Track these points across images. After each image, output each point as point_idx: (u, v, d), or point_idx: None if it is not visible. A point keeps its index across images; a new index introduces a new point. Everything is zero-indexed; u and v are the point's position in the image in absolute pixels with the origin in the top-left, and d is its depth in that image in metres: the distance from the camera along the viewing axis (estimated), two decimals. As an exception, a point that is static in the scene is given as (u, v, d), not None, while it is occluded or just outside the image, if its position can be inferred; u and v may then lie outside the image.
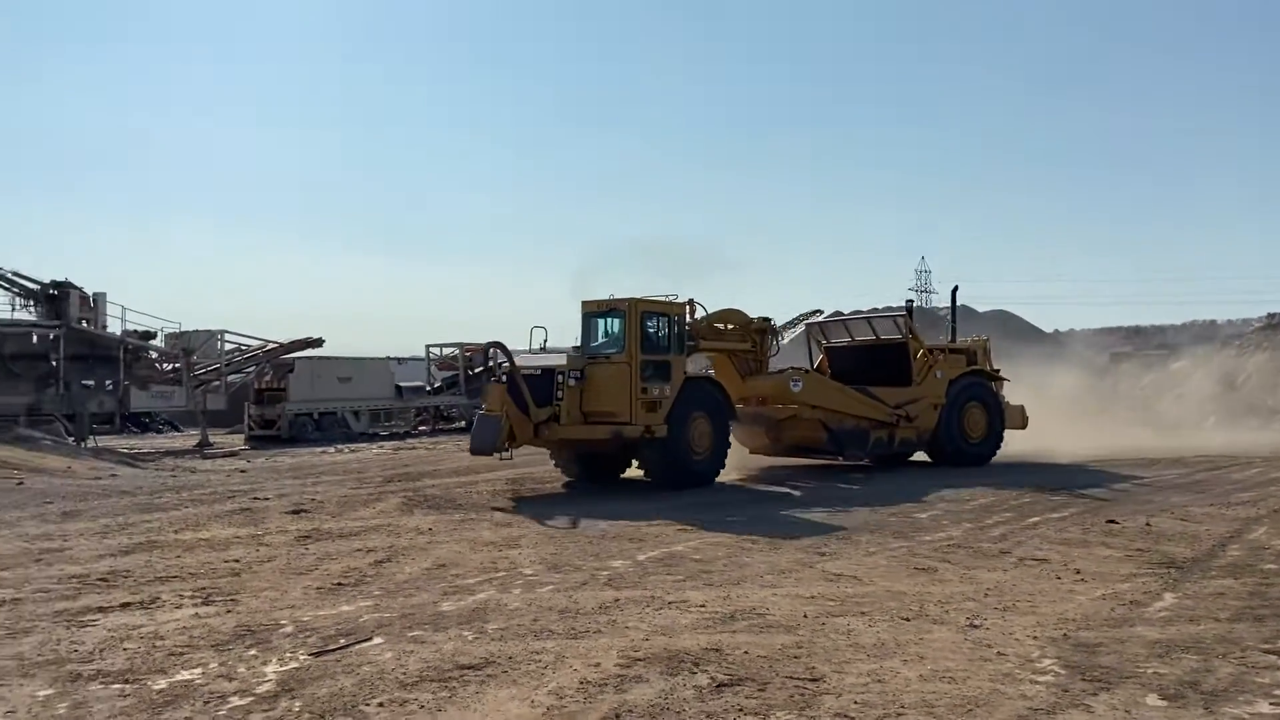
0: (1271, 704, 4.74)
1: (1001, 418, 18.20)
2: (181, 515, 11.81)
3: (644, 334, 14.26)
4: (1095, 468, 16.97)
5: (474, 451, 14.16)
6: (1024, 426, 18.75)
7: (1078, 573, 8.06)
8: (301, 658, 5.61)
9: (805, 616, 6.60)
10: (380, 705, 4.78)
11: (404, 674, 5.28)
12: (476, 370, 30.41)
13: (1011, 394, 19.42)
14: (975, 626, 6.29)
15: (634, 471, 15.04)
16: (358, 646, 5.85)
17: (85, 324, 27.08)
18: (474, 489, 14.33)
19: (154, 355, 28.53)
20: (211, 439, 26.64)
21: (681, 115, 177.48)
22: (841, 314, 21.49)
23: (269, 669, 5.40)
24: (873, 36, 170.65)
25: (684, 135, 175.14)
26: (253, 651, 5.76)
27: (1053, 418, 20.38)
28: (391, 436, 28.89)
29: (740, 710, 4.69)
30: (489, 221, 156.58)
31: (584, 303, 14.98)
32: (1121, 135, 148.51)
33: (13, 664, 5.50)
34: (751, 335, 16.86)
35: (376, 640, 5.99)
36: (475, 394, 28.35)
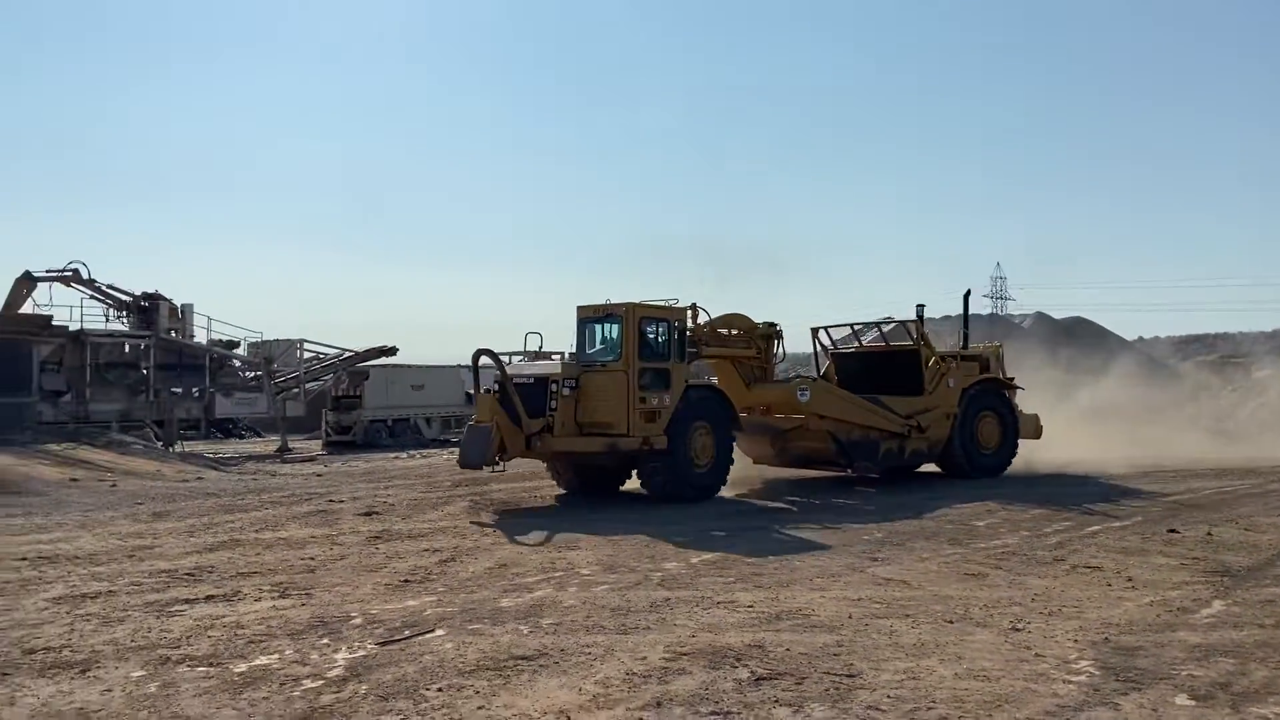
0: (1304, 707, 4.80)
1: (1016, 428, 17.46)
2: (262, 516, 12.44)
3: (642, 340, 13.61)
4: (1159, 478, 16.66)
5: (462, 464, 13.74)
6: (1038, 436, 17.94)
7: (1129, 580, 8.09)
8: (369, 646, 6.02)
9: (850, 617, 6.80)
10: (439, 690, 5.14)
11: (462, 663, 5.64)
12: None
13: (1029, 403, 18.66)
14: (1017, 630, 6.42)
15: (634, 484, 14.39)
16: (421, 637, 6.23)
17: (174, 334, 28.39)
18: (537, 493, 14.74)
19: (237, 364, 29.77)
20: (290, 444, 27.66)
21: (750, 113, 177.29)
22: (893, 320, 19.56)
23: (339, 656, 5.81)
24: (950, 35, 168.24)
25: (748, 135, 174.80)
26: (325, 640, 6.18)
27: (1112, 428, 19.97)
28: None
29: (776, 701, 4.93)
30: (555, 228, 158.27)
31: (579, 308, 14.35)
32: (1214, 139, 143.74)
33: (109, 649, 6.00)
34: (757, 341, 16.12)
35: (438, 632, 6.37)
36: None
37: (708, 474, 13.99)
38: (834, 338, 18.57)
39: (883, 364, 17.38)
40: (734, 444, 14.45)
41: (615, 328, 13.84)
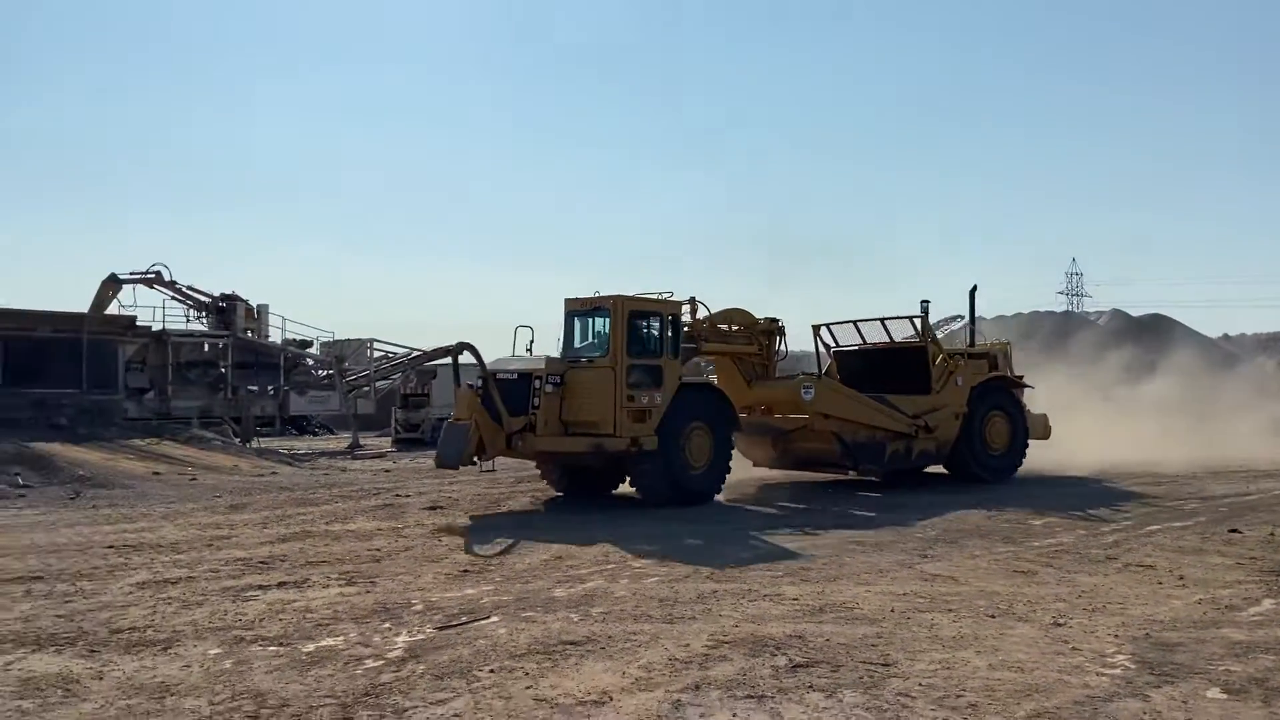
0: (1339, 703, 4.83)
1: (1026, 429, 16.91)
2: (332, 509, 12.96)
3: (631, 335, 12.94)
4: (1227, 478, 16.32)
5: (438, 464, 13.33)
6: (1046, 437, 17.49)
7: (1181, 578, 8.07)
8: (428, 631, 6.35)
9: (892, 611, 6.93)
10: (491, 671, 5.43)
11: (514, 646, 5.93)
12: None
13: (1039, 403, 18.29)
14: (1058, 625, 6.50)
15: (628, 486, 14.03)
16: (476, 623, 6.55)
17: (250, 334, 29.46)
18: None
19: (310, 363, 30.74)
20: (361, 441, 28.45)
21: (822, 107, 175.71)
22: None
23: (399, 639, 6.15)
24: (1028, 29, 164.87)
25: (821, 128, 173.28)
26: (387, 625, 6.54)
27: (1173, 425, 19.48)
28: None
29: (810, 687, 5.12)
30: (610, 225, 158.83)
31: (567, 300, 13.70)
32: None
33: (188, 629, 6.44)
34: (758, 337, 15.51)
35: (493, 619, 6.69)
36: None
37: (704, 477, 13.32)
38: (836, 335, 17.86)
39: (888, 362, 16.80)
40: (733, 444, 13.84)
41: (604, 322, 13.20)
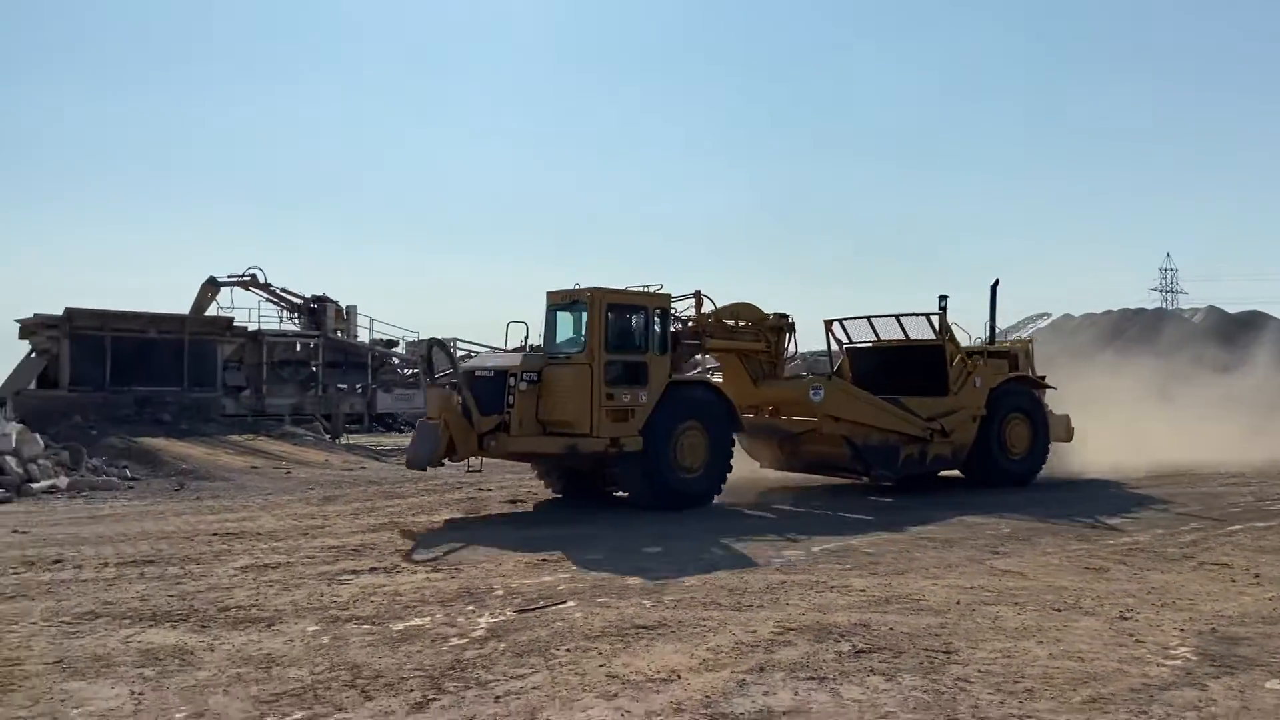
0: (1405, 698, 4.86)
1: (1047, 430, 16.05)
2: (418, 502, 13.52)
3: (610, 330, 12.26)
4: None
5: (408, 465, 12.82)
6: (1068, 439, 16.62)
7: (1256, 577, 8.01)
8: (508, 613, 6.73)
9: (958, 603, 7.08)
10: (567, 650, 5.77)
11: (589, 629, 6.27)
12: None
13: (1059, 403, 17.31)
14: (1124, 619, 6.57)
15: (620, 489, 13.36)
16: (554, 608, 6.91)
17: (339, 334, 30.56)
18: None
19: (396, 362, 31.73)
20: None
21: (895, 102, 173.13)
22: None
23: (482, 620, 6.54)
24: (1120, 21, 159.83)
25: (894, 124, 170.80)
26: (470, 608, 6.94)
27: (1257, 427, 18.85)
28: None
29: (870, 671, 5.34)
30: (679, 225, 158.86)
31: (549, 294, 12.95)
32: None
33: (289, 608, 6.93)
34: (766, 334, 14.65)
35: (570, 604, 7.04)
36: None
37: (699, 479, 12.59)
38: (850, 331, 16.95)
39: (903, 361, 15.97)
40: (733, 446, 13.16)
41: (583, 316, 12.47)
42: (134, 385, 24.79)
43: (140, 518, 12.14)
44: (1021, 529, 10.84)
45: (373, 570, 8.39)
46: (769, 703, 4.80)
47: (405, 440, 30.82)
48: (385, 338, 32.60)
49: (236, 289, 30.34)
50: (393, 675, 5.26)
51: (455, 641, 6.00)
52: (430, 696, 4.90)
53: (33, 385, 24.43)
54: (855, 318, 16.58)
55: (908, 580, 7.98)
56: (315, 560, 8.93)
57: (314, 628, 6.35)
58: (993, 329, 17.42)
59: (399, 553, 9.36)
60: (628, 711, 4.68)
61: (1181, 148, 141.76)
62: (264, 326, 29.77)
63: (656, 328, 12.63)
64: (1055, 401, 16.90)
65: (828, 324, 16.85)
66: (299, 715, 4.63)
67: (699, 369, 16.01)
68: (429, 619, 6.60)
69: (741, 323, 14.52)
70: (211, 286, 30.01)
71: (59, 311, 24.49)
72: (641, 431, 12.12)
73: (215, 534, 10.60)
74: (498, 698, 4.89)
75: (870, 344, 16.58)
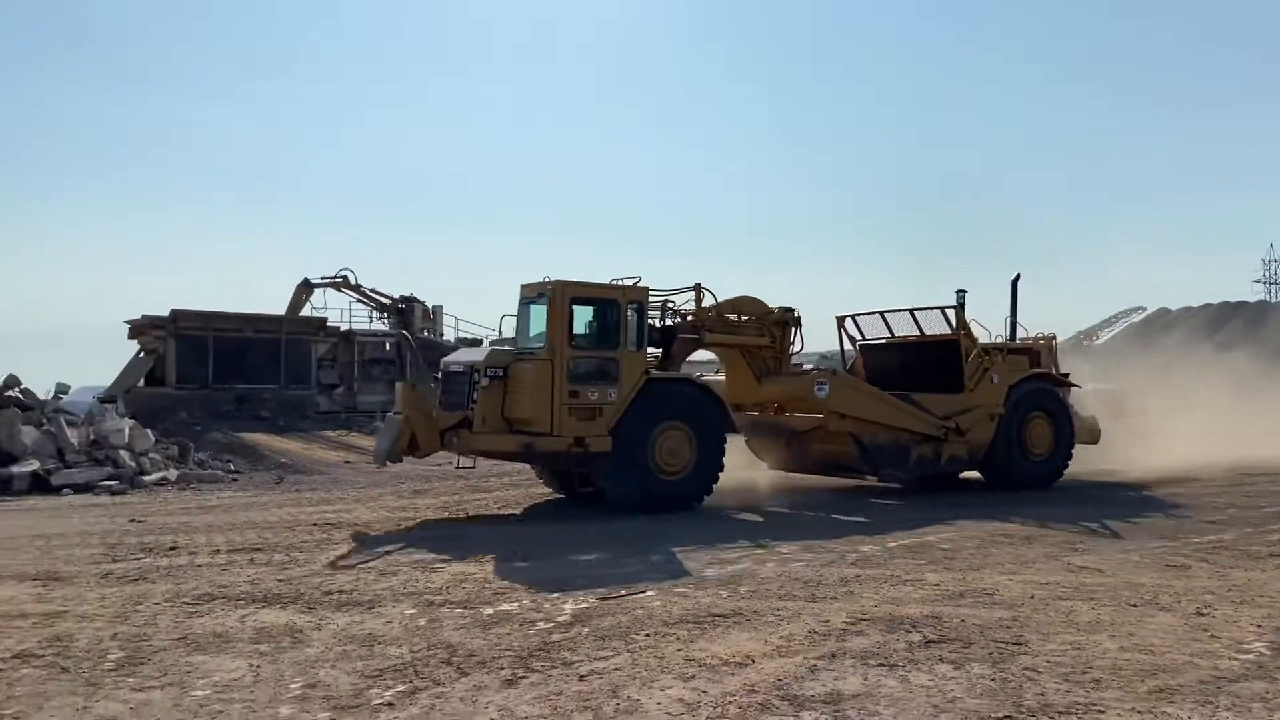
0: None
1: (1071, 430, 15.36)
2: (503, 496, 14.01)
3: (575, 325, 11.84)
4: None
5: (374, 458, 12.75)
6: (1095, 441, 16.10)
7: (1344, 576, 7.89)
8: (591, 600, 7.06)
9: (1031, 598, 7.16)
10: (646, 635, 6.07)
11: (667, 616, 6.56)
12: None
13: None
14: (1201, 614, 6.59)
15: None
16: (634, 596, 7.22)
17: (426, 333, 31.42)
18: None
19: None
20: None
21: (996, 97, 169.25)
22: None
23: (567, 606, 6.88)
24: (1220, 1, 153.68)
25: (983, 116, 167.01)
26: (555, 595, 7.29)
27: None
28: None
29: (940, 659, 5.51)
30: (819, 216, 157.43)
31: (522, 286, 12.59)
32: None
33: (387, 593, 7.38)
34: (770, 328, 14.06)
35: (649, 592, 7.34)
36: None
37: (682, 481, 12.01)
38: (863, 327, 16.38)
39: (918, 358, 15.45)
40: (723, 447, 12.46)
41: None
42: (234, 383, 25.99)
43: (245, 508, 12.85)
44: (1104, 527, 10.77)
45: (463, 559, 8.81)
46: (839, 687, 5.02)
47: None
48: (470, 336, 33.39)
49: (329, 290, 31.49)
50: (485, 654, 5.63)
51: (541, 625, 6.35)
52: (520, 674, 5.25)
53: (141, 383, 25.79)
54: (868, 313, 16.13)
55: (983, 575, 8.07)
56: (410, 549, 9.42)
57: (411, 610, 6.77)
58: (1013, 325, 16.70)
59: (486, 543, 9.79)
60: (704, 692, 4.95)
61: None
62: (355, 326, 30.83)
63: (632, 322, 12.06)
64: (1104, 402, 16.82)
65: (840, 319, 16.45)
66: (400, 688, 5.02)
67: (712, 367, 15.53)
68: (517, 604, 6.97)
69: (744, 317, 13.98)
70: (306, 288, 31.20)
71: (165, 313, 25.78)
72: (613, 431, 11.63)
73: (315, 524, 11.19)
74: (582, 676, 5.21)
75: (884, 340, 16.09)
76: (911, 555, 9.05)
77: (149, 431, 17.50)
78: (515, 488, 14.95)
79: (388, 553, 9.19)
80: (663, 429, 11.89)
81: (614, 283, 12.29)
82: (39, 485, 14.73)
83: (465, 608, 6.87)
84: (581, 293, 11.92)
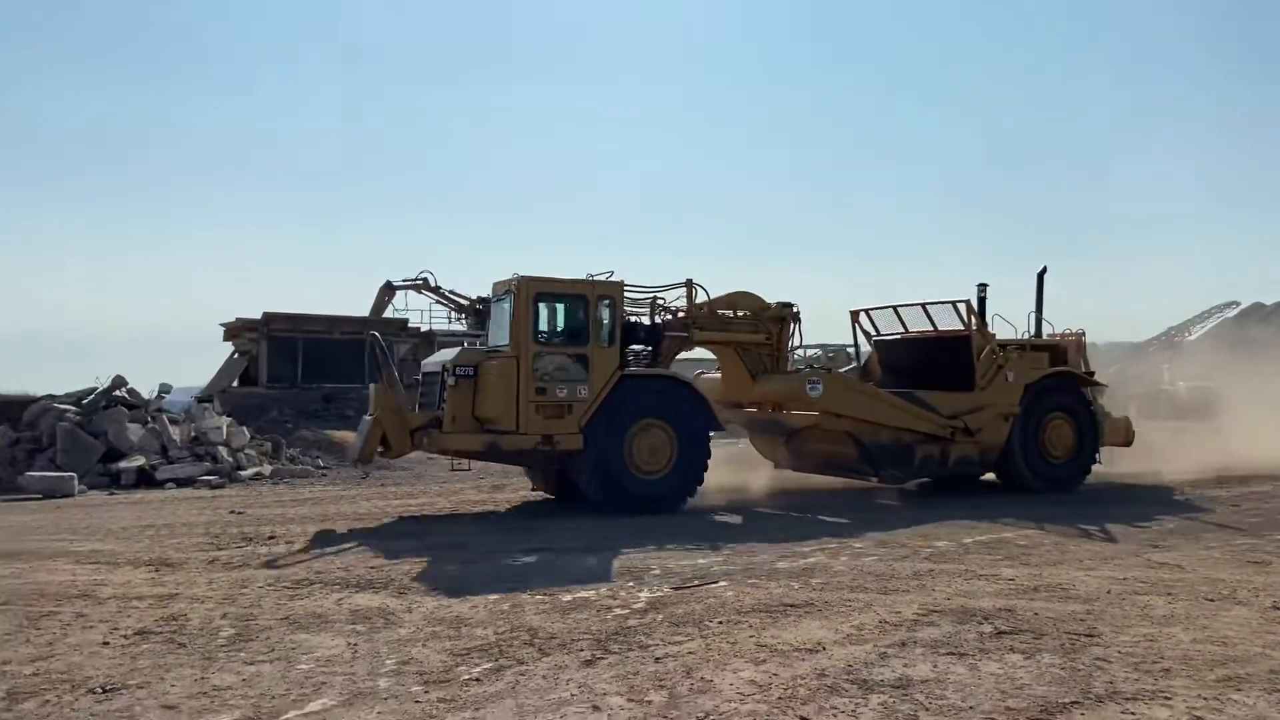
0: None
1: (1095, 432, 14.60)
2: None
3: (541, 321, 11.72)
4: None
5: (350, 460, 12.80)
6: (1128, 444, 15.40)
7: None
8: (665, 590, 7.30)
9: (1108, 592, 7.18)
10: (720, 623, 6.28)
11: (740, 606, 6.76)
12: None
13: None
14: (1278, 608, 6.54)
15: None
16: (707, 586, 7.43)
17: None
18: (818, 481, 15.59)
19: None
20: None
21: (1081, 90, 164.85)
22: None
23: (642, 595, 7.13)
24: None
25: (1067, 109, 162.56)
26: (630, 584, 7.54)
27: None
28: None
29: (1010, 649, 5.61)
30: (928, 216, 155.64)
31: (494, 284, 12.43)
32: None
33: (472, 580, 7.72)
34: (766, 325, 13.63)
35: (722, 583, 7.54)
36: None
37: (661, 481, 11.73)
38: (877, 322, 15.82)
39: (930, 354, 14.88)
40: (707, 445, 12.14)
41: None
42: (322, 382, 26.89)
43: (335, 501, 13.42)
44: (1186, 524, 10.63)
45: (539, 550, 9.13)
46: (908, 673, 5.16)
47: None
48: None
49: (410, 292, 32.33)
50: (565, 637, 5.90)
51: (618, 611, 6.61)
52: (598, 655, 5.51)
53: (235, 383, 26.87)
54: (881, 307, 15.64)
55: (1059, 571, 8.09)
56: (489, 541, 9.78)
57: (494, 596, 7.09)
58: (1039, 320, 15.89)
59: (562, 533, 10.10)
60: (775, 675, 5.14)
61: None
62: (435, 327, 31.59)
63: (604, 318, 11.83)
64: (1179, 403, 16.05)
65: (854, 314, 15.97)
66: (486, 665, 5.32)
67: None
68: (594, 591, 7.24)
69: (739, 313, 13.62)
70: (388, 290, 32.07)
71: (258, 315, 26.82)
72: (584, 429, 11.50)
73: (401, 517, 11.66)
74: (657, 659, 5.45)
75: (898, 336, 15.56)
76: (987, 551, 9.08)
77: (244, 429, 18.30)
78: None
79: (468, 542, 9.57)
80: (639, 427, 11.68)
81: (585, 278, 12.06)
82: (145, 479, 15.56)
83: (545, 594, 7.16)
84: (547, 289, 11.75)
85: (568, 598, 7.03)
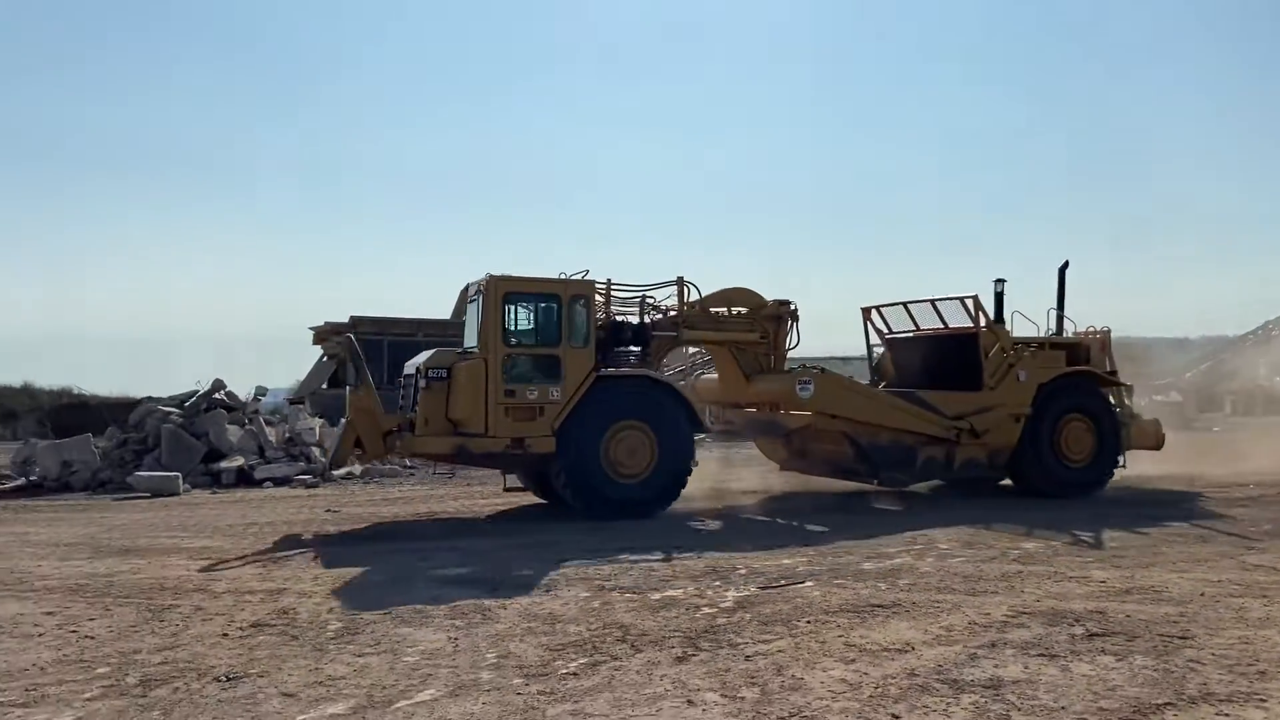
0: None
1: (1117, 434, 13.96)
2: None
3: (511, 321, 11.47)
4: None
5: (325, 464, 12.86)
6: (1157, 447, 14.75)
7: None
8: (752, 589, 7.42)
9: (1201, 595, 7.08)
10: (807, 622, 6.38)
11: (827, 605, 6.84)
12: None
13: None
14: (1385, 615, 6.38)
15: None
16: (793, 586, 7.52)
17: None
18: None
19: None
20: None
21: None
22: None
23: (729, 594, 7.27)
24: None
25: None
26: (717, 583, 7.68)
27: None
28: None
29: (1102, 651, 5.60)
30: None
31: (468, 285, 12.30)
32: None
33: (560, 578, 7.94)
34: (762, 323, 13.24)
35: (808, 583, 7.63)
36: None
37: (640, 485, 11.48)
38: (890, 320, 15.34)
39: (939, 353, 14.42)
40: (690, 448, 11.89)
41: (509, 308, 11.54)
42: (407, 384, 27.50)
43: (425, 500, 13.84)
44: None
45: (625, 549, 9.32)
46: (999, 673, 5.20)
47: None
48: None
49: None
50: (656, 634, 6.07)
51: (706, 610, 6.75)
52: (689, 652, 5.66)
53: (325, 385, 27.71)
54: (892, 304, 15.17)
55: (1152, 573, 7.99)
56: (576, 539, 10.01)
57: (585, 594, 7.30)
58: (1059, 318, 15.27)
59: (648, 535, 10.28)
60: (865, 673, 5.23)
61: None
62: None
63: (579, 318, 11.59)
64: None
65: (865, 312, 15.57)
66: (583, 660, 5.52)
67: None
68: (681, 591, 7.40)
69: (734, 311, 13.29)
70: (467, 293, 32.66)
71: (345, 319, 27.61)
72: (558, 431, 11.27)
73: (489, 518, 11.98)
74: (748, 657, 5.58)
75: (910, 334, 15.10)
76: (1077, 553, 8.99)
77: (336, 430, 18.90)
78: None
79: (557, 540, 9.82)
80: (617, 429, 11.44)
81: (559, 276, 11.83)
82: (243, 479, 16.24)
83: (634, 592, 7.35)
84: (517, 288, 11.48)
85: (656, 596, 7.21)
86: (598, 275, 12.21)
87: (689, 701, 4.80)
